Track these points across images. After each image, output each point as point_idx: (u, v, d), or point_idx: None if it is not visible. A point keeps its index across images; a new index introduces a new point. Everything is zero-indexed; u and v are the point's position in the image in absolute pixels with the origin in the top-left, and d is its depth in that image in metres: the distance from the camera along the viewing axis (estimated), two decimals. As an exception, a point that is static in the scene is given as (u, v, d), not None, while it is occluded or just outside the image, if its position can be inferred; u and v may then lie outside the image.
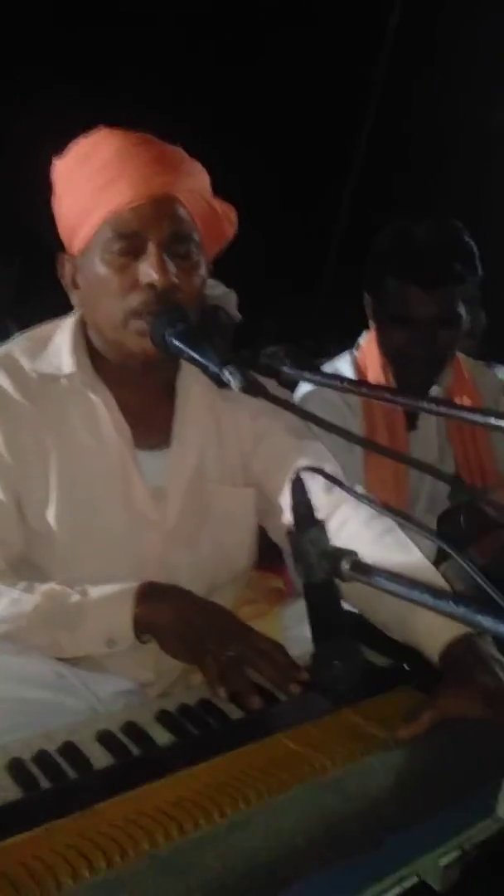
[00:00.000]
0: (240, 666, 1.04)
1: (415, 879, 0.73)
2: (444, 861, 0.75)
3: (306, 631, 1.30)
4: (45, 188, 1.24)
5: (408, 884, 0.72)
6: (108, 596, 1.12)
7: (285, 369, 1.00)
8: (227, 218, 1.26)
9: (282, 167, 2.96)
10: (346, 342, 1.83)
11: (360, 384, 1.40)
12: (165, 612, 1.11)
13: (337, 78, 2.94)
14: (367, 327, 1.77)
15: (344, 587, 1.07)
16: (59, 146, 1.21)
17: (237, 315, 1.75)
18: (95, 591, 1.13)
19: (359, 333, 1.80)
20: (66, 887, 0.68)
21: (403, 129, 3.13)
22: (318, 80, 2.91)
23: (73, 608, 1.11)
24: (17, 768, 0.88)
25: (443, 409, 0.90)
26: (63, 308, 1.31)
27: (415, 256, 1.55)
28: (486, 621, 0.65)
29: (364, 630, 1.17)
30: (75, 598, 1.13)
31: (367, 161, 3.26)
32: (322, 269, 3.41)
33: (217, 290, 1.36)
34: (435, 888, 0.73)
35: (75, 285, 1.24)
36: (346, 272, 1.75)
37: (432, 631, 1.06)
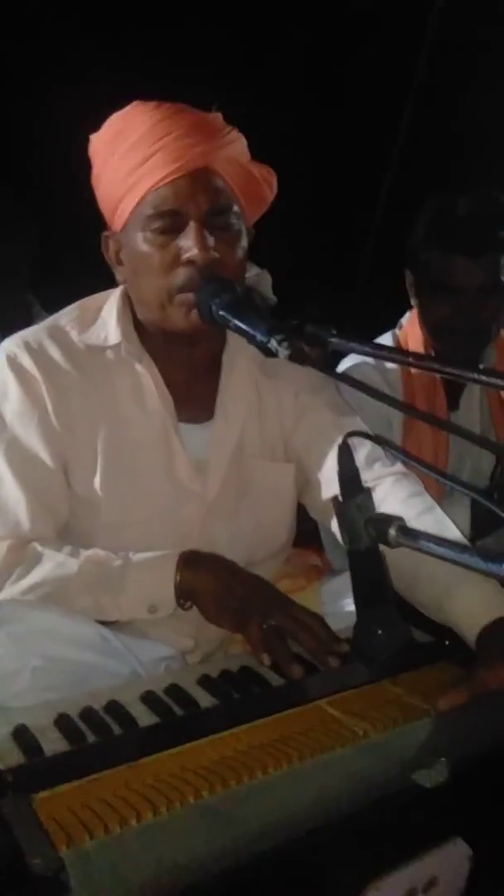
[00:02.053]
0: (281, 635, 1.05)
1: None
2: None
3: (343, 607, 1.32)
4: (67, 162, 1.24)
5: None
6: (151, 561, 1.14)
7: (332, 339, 1.00)
8: (267, 182, 1.25)
9: (322, 146, 2.94)
10: (386, 329, 1.83)
11: (407, 354, 1.39)
12: (207, 580, 1.12)
13: (379, 72, 2.91)
14: (403, 315, 1.76)
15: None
16: (79, 119, 1.21)
17: (272, 297, 1.74)
18: (138, 557, 1.15)
19: (397, 322, 1.79)
20: (114, 832, 0.70)
21: (445, 123, 3.09)
22: (360, 74, 2.88)
23: (116, 572, 1.13)
24: (64, 723, 0.90)
25: (491, 380, 0.89)
26: (85, 281, 1.32)
27: (458, 226, 1.54)
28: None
29: (407, 606, 1.17)
30: (118, 562, 1.14)
31: (407, 153, 3.22)
32: (360, 258, 3.38)
33: (250, 272, 1.35)
34: (426, 786, 0.74)
35: (119, 262, 1.25)
36: (385, 260, 1.74)
37: (470, 614, 1.07)
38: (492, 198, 1.58)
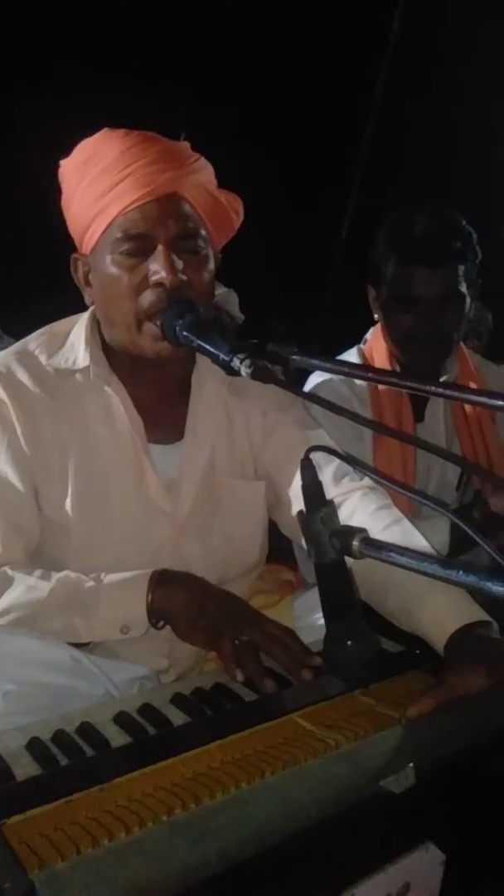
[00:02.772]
0: (254, 651, 1.06)
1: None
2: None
3: (317, 621, 1.33)
4: (31, 187, 1.26)
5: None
6: (123, 582, 1.14)
7: (294, 357, 1.02)
8: (233, 208, 1.28)
9: (286, 167, 2.99)
10: (355, 344, 1.85)
11: (367, 368, 1.41)
12: (179, 598, 1.13)
13: (340, 80, 2.97)
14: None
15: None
16: (57, 143, 1.23)
17: (239, 315, 1.77)
18: (110, 578, 1.15)
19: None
20: (86, 853, 0.70)
21: (408, 130, 3.17)
22: (322, 83, 2.95)
23: (88, 593, 1.13)
24: (36, 747, 0.90)
25: (452, 393, 0.92)
26: (48, 306, 1.34)
27: (415, 238, 1.58)
28: (496, 587, 0.66)
29: (376, 616, 1.18)
30: (90, 584, 1.15)
31: (372, 164, 3.29)
32: (327, 272, 3.43)
33: (218, 291, 1.38)
34: (394, 791, 0.75)
35: (88, 283, 1.27)
36: (352, 274, 1.77)
37: (438, 621, 1.08)
38: (447, 212, 1.63)
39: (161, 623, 1.14)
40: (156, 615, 1.13)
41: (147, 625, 1.13)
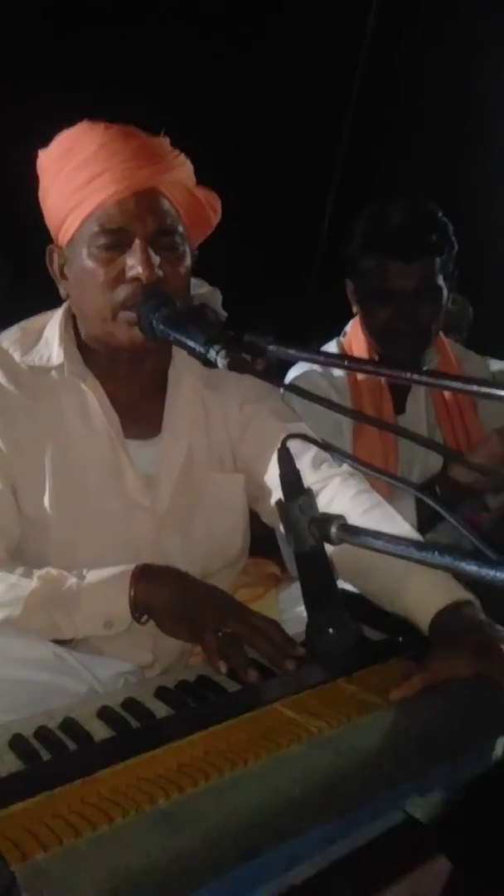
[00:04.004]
0: (237, 642, 1.06)
1: (401, 814, 0.74)
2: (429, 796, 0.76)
3: (301, 612, 1.32)
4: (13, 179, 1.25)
5: (394, 818, 0.73)
6: (105, 578, 1.14)
7: (270, 347, 1.02)
8: (211, 206, 1.28)
9: (267, 163, 3.00)
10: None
11: (345, 357, 1.42)
12: (162, 592, 1.13)
13: (321, 73, 2.99)
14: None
15: (336, 562, 1.10)
16: (41, 135, 1.23)
17: (223, 313, 1.77)
18: (92, 574, 1.15)
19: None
20: (68, 845, 0.69)
21: (388, 123, 3.18)
22: (302, 78, 2.96)
23: (71, 590, 1.13)
24: (18, 743, 0.89)
25: (431, 380, 0.93)
26: (17, 305, 1.33)
27: (391, 232, 1.59)
28: (470, 566, 0.67)
29: (358, 605, 1.19)
30: (72, 580, 1.14)
31: (352, 158, 3.31)
32: (310, 268, 3.44)
33: (202, 289, 1.38)
34: (421, 821, 0.74)
35: (63, 276, 1.26)
36: (334, 271, 1.78)
37: (421, 601, 1.09)
38: (423, 205, 1.63)
39: (144, 618, 1.14)
40: (139, 610, 1.13)
41: (130, 619, 1.13)
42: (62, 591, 1.13)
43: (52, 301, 1.33)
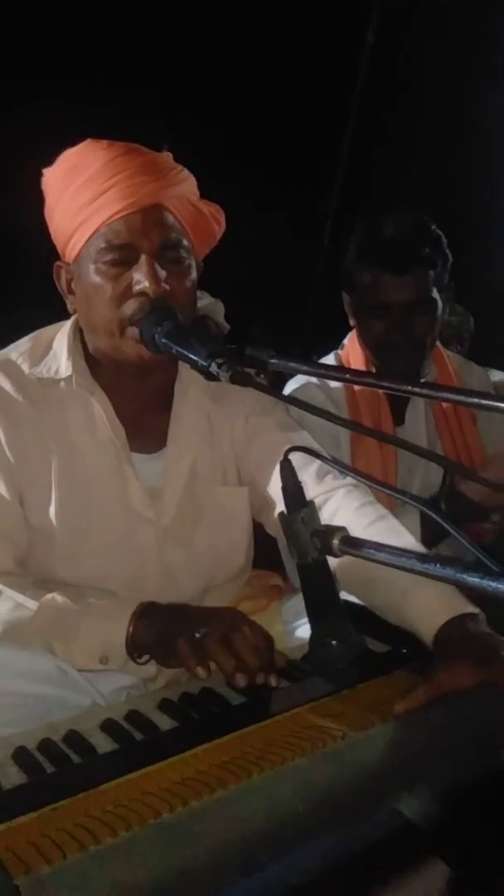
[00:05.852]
0: (217, 640, 1.01)
1: (399, 818, 0.74)
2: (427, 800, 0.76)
3: (304, 625, 1.33)
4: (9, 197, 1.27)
5: (392, 822, 0.73)
6: (105, 613, 1.12)
7: (271, 361, 1.03)
8: (215, 218, 1.29)
9: (269, 175, 3.02)
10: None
11: (346, 370, 1.42)
12: (155, 628, 1.09)
13: (320, 88, 3.02)
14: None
15: (340, 574, 1.10)
16: (41, 153, 1.24)
17: (225, 325, 1.78)
18: (95, 607, 1.14)
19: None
20: (71, 858, 0.69)
21: (389, 138, 3.21)
22: (302, 93, 2.99)
23: (70, 621, 1.12)
24: (21, 756, 0.90)
25: (429, 392, 0.93)
26: (24, 317, 1.34)
27: (384, 245, 1.60)
28: (472, 579, 0.67)
29: (362, 617, 1.19)
30: (74, 611, 1.13)
31: (353, 171, 3.33)
32: (310, 285, 3.46)
33: (204, 301, 1.39)
34: (419, 826, 0.74)
35: (71, 291, 1.28)
36: (334, 285, 1.80)
37: (426, 614, 1.08)
38: (416, 218, 1.65)
39: (145, 658, 1.10)
40: (136, 649, 1.10)
41: (125, 657, 1.10)
42: (62, 620, 1.12)
43: (46, 314, 1.34)
